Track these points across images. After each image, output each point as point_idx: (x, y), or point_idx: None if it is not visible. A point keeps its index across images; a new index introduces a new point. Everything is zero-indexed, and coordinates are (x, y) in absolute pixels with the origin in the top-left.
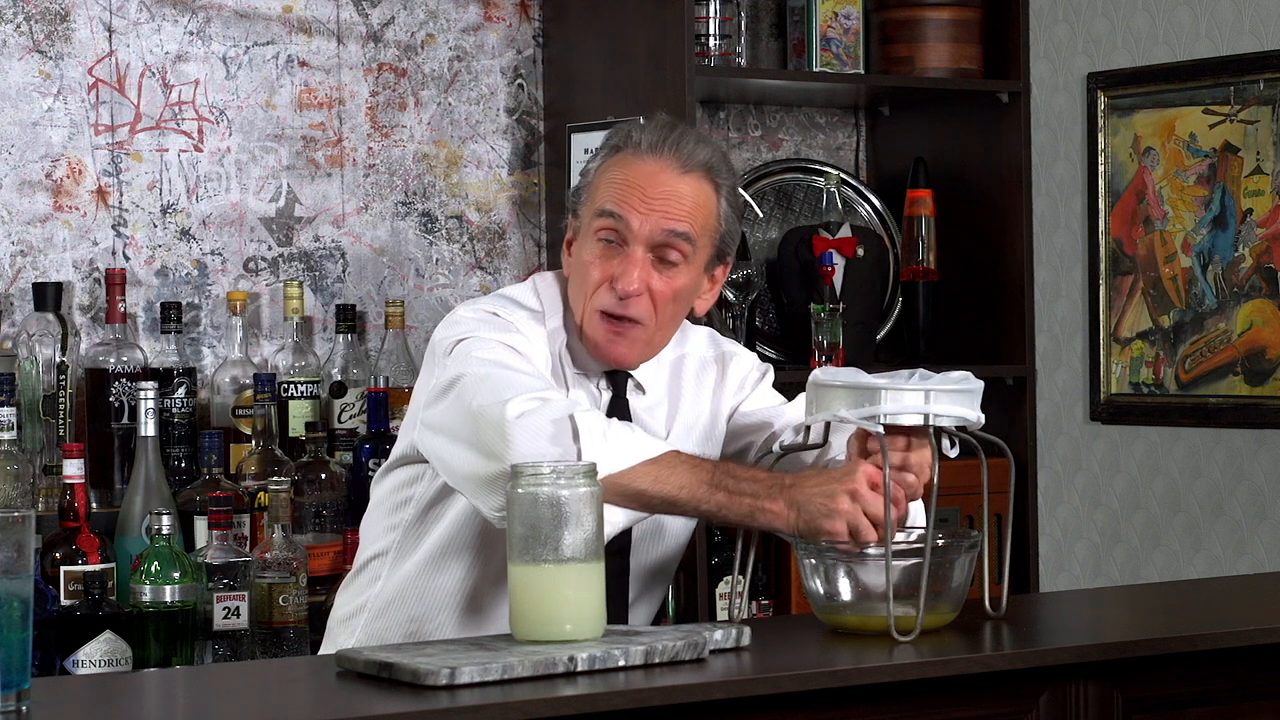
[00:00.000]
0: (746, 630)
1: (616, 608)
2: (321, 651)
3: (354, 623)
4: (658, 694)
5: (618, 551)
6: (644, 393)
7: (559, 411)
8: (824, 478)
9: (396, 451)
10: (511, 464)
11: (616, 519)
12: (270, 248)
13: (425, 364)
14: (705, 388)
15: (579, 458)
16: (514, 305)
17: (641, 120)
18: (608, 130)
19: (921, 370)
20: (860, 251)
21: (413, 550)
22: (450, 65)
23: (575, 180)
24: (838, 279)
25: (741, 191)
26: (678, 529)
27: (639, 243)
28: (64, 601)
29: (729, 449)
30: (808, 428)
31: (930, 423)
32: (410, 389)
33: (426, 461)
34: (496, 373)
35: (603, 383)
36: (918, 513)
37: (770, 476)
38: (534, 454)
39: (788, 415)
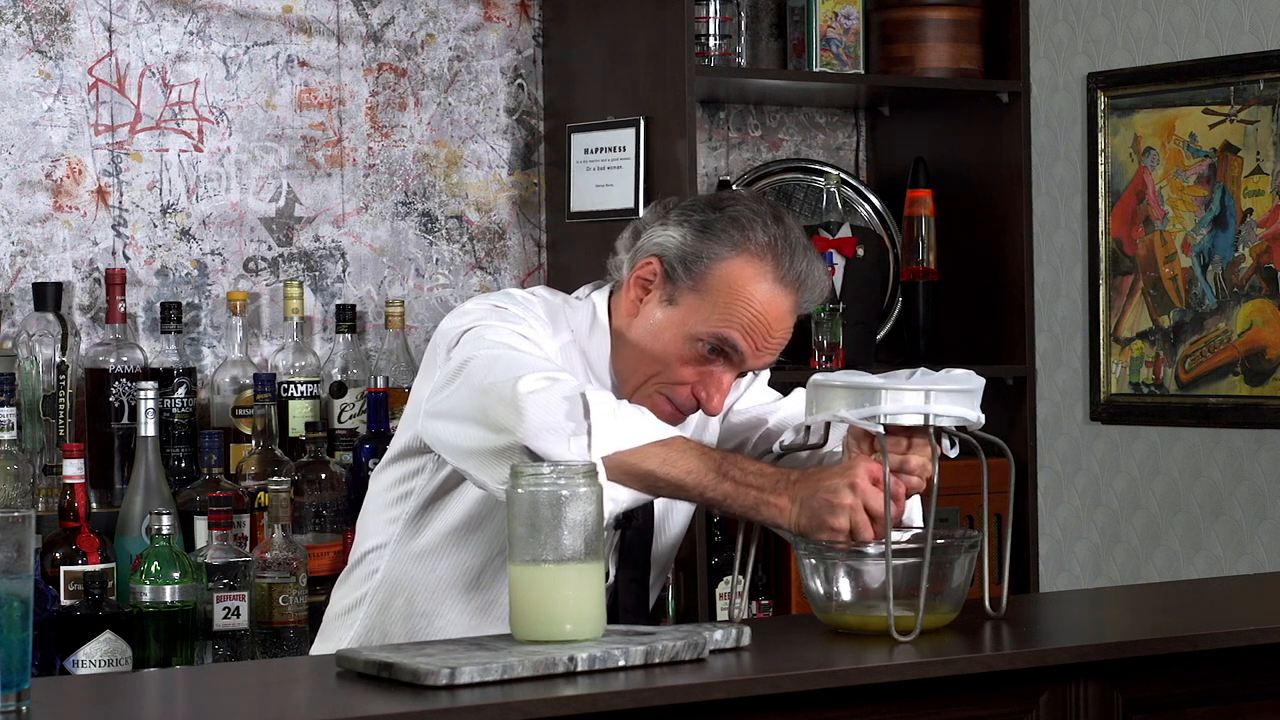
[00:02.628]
0: (746, 630)
1: (639, 590)
2: (316, 647)
3: (353, 616)
4: (658, 694)
5: (640, 536)
6: None
7: (570, 389)
8: (827, 473)
9: (397, 445)
10: (523, 436)
11: (621, 497)
12: (270, 248)
13: (428, 356)
14: None
15: (589, 434)
16: (523, 305)
17: (771, 219)
18: (721, 212)
19: (923, 369)
20: (860, 251)
21: (413, 542)
22: (450, 65)
23: (672, 237)
24: (838, 279)
25: None
26: (683, 511)
27: (736, 371)
28: (64, 601)
29: (725, 447)
30: (808, 428)
31: (930, 423)
32: (410, 389)
33: (428, 454)
34: (506, 354)
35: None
36: (915, 511)
37: (776, 471)
38: (546, 426)
39: (782, 411)
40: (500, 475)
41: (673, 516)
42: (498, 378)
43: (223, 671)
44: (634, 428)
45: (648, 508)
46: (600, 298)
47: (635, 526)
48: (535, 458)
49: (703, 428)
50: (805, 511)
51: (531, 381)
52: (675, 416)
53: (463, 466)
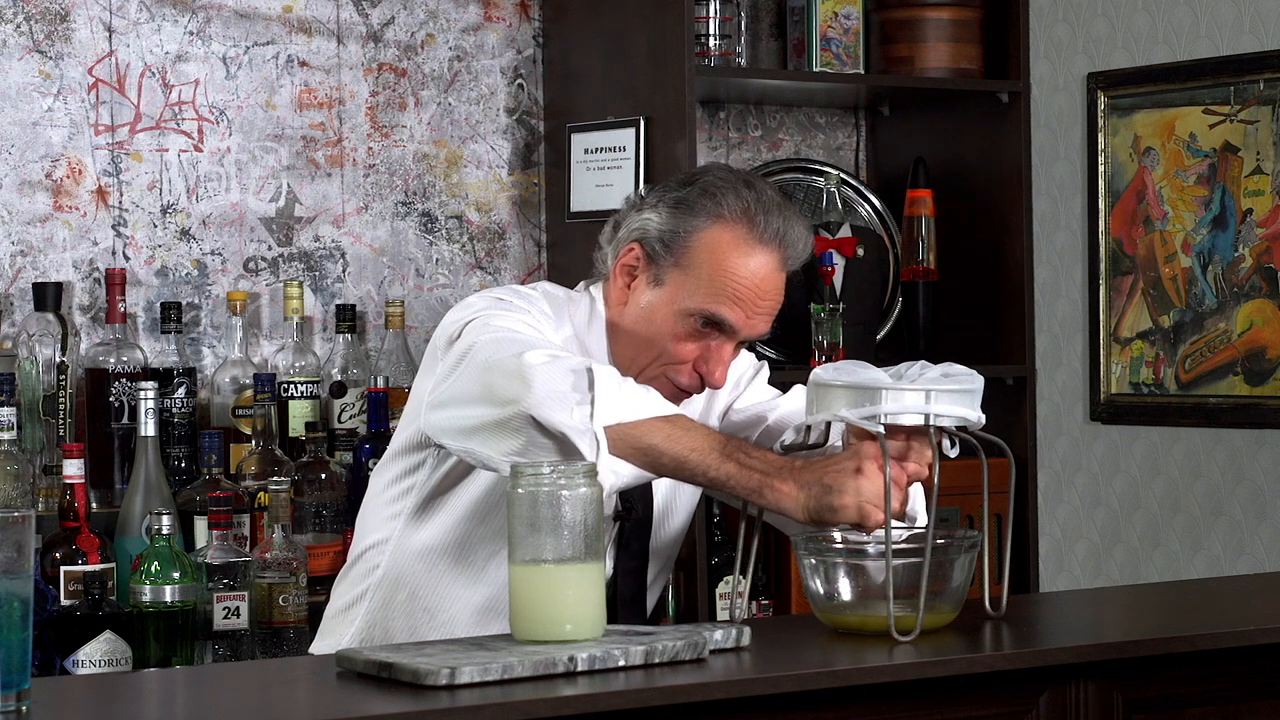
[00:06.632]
0: (746, 630)
1: (636, 582)
2: (317, 644)
3: (354, 612)
4: (658, 694)
5: (638, 528)
6: None
7: (576, 364)
8: (832, 460)
9: (398, 440)
10: (529, 405)
11: (623, 470)
12: (270, 248)
13: (429, 350)
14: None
15: (593, 405)
16: (526, 299)
17: (743, 184)
18: (693, 186)
19: (923, 362)
20: (860, 251)
21: (415, 538)
22: (450, 65)
23: (650, 219)
24: (838, 279)
25: None
26: (684, 507)
27: (735, 341)
28: (64, 601)
29: None
30: (808, 427)
31: (931, 423)
32: (409, 389)
33: (429, 449)
34: (510, 335)
35: None
36: (918, 501)
37: (780, 459)
38: (552, 394)
39: (782, 409)
40: (505, 447)
41: (674, 510)
42: (503, 355)
43: (223, 671)
44: (638, 402)
45: (648, 499)
46: (598, 291)
47: (635, 518)
48: (539, 431)
49: (704, 422)
50: (811, 496)
51: (538, 355)
52: (679, 397)
53: (467, 446)
